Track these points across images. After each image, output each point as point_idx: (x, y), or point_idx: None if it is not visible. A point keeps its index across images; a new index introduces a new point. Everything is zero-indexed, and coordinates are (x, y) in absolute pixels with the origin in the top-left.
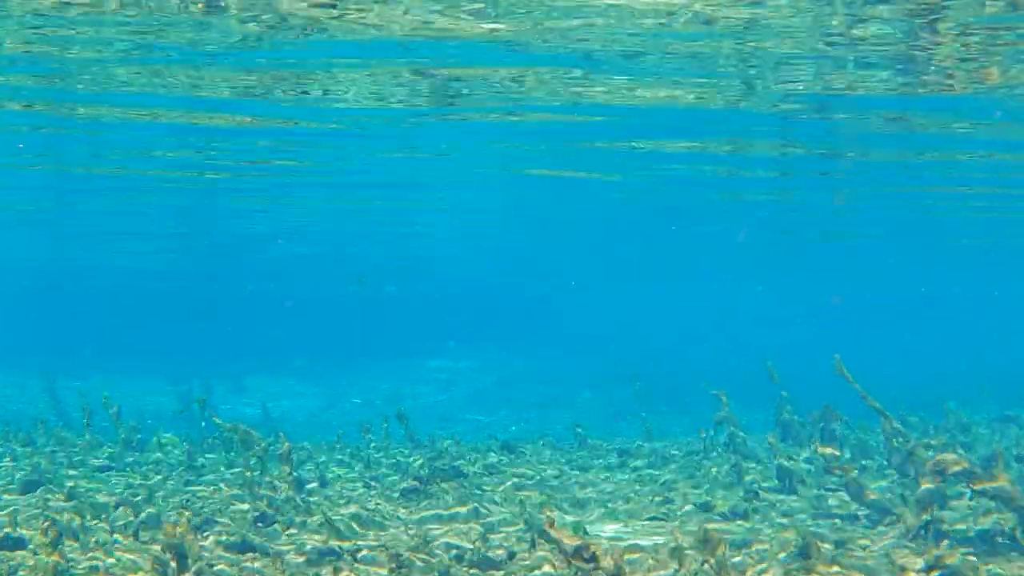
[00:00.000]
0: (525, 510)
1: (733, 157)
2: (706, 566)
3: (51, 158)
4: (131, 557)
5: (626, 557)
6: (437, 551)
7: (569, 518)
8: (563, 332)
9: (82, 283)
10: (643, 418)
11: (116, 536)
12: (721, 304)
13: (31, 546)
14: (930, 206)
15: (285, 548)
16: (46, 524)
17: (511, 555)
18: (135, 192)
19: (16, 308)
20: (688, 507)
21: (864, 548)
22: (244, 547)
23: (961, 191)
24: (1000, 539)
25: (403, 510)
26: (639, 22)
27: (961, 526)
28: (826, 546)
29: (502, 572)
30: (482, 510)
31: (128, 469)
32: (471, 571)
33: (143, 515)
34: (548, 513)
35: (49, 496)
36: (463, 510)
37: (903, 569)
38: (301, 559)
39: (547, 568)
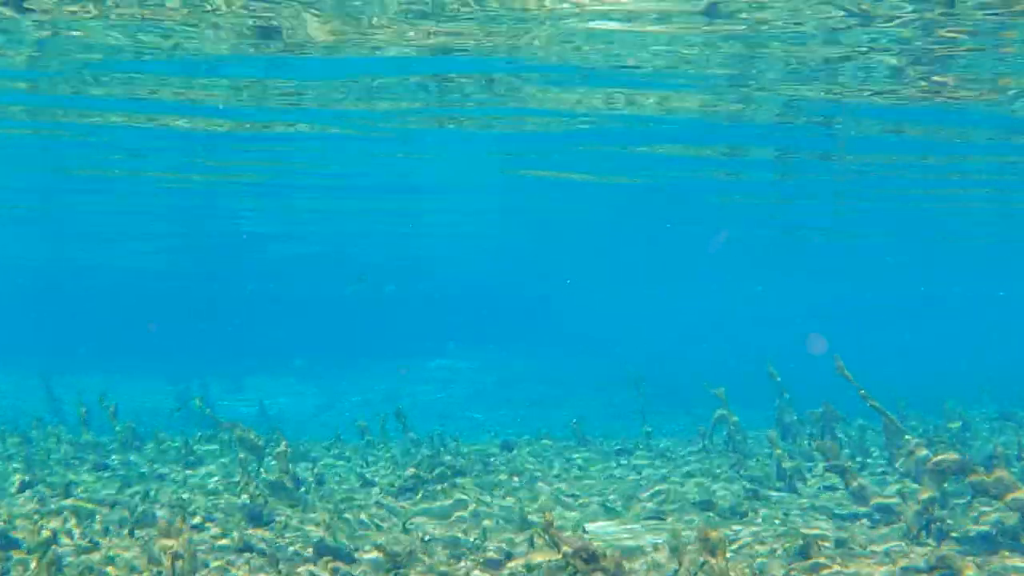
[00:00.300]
0: (524, 508)
1: (731, 160)
2: (706, 566)
3: (49, 159)
4: (126, 556)
5: (625, 557)
6: (435, 550)
7: (568, 516)
8: (563, 332)
9: (81, 283)
10: (643, 417)
11: (111, 535)
12: (721, 304)
13: (25, 546)
14: (930, 206)
15: (281, 548)
16: (40, 524)
17: (509, 555)
18: (133, 192)
19: (15, 307)
20: (687, 505)
21: (865, 547)
22: (240, 546)
23: (963, 192)
24: (1002, 538)
25: (401, 508)
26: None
27: (962, 525)
28: (826, 545)
29: (500, 571)
30: (480, 508)
31: (124, 467)
32: (469, 571)
33: (138, 513)
34: (547, 512)
35: (44, 495)
36: (461, 509)
37: (905, 569)
38: (298, 558)
39: (545, 568)
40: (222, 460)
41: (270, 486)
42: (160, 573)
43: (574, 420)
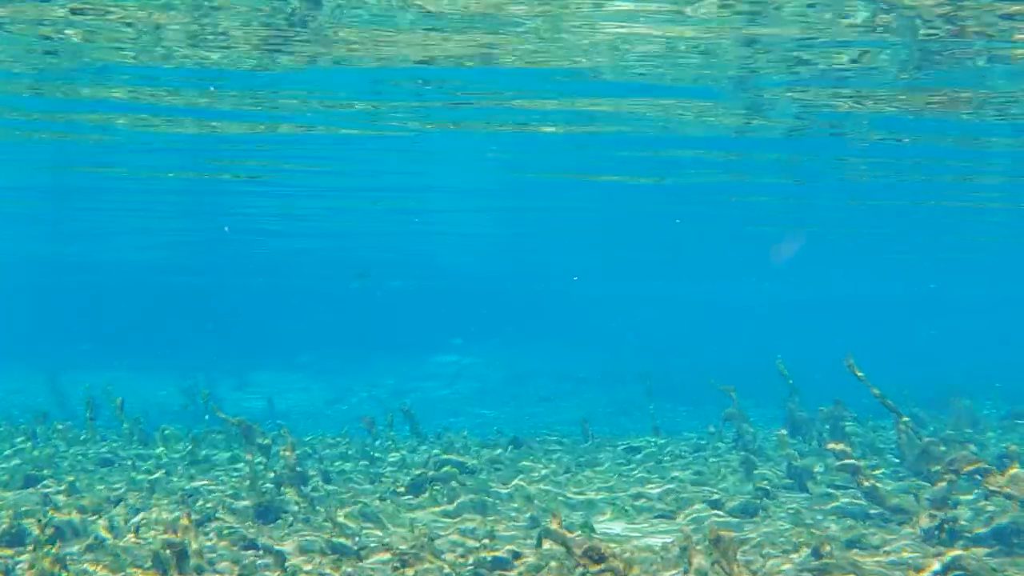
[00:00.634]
0: (532, 507)
1: (741, 161)
2: (716, 566)
3: (53, 155)
4: (131, 554)
5: (635, 557)
6: (442, 549)
7: (576, 515)
8: (570, 328)
9: (88, 279)
10: (651, 414)
11: (116, 531)
12: (728, 300)
13: (29, 542)
14: (941, 204)
15: (287, 545)
16: (44, 520)
17: (517, 554)
18: (140, 190)
19: (23, 304)
20: (697, 504)
21: (877, 548)
22: (246, 544)
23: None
24: (1016, 539)
25: (408, 507)
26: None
27: (975, 525)
28: (838, 545)
29: (508, 571)
30: (488, 507)
31: (130, 463)
32: (477, 570)
33: (144, 510)
34: (555, 512)
35: (49, 491)
36: (469, 507)
37: (918, 570)
38: (304, 556)
39: (554, 567)
40: (228, 456)
41: (276, 483)
42: (166, 572)
43: (582, 418)
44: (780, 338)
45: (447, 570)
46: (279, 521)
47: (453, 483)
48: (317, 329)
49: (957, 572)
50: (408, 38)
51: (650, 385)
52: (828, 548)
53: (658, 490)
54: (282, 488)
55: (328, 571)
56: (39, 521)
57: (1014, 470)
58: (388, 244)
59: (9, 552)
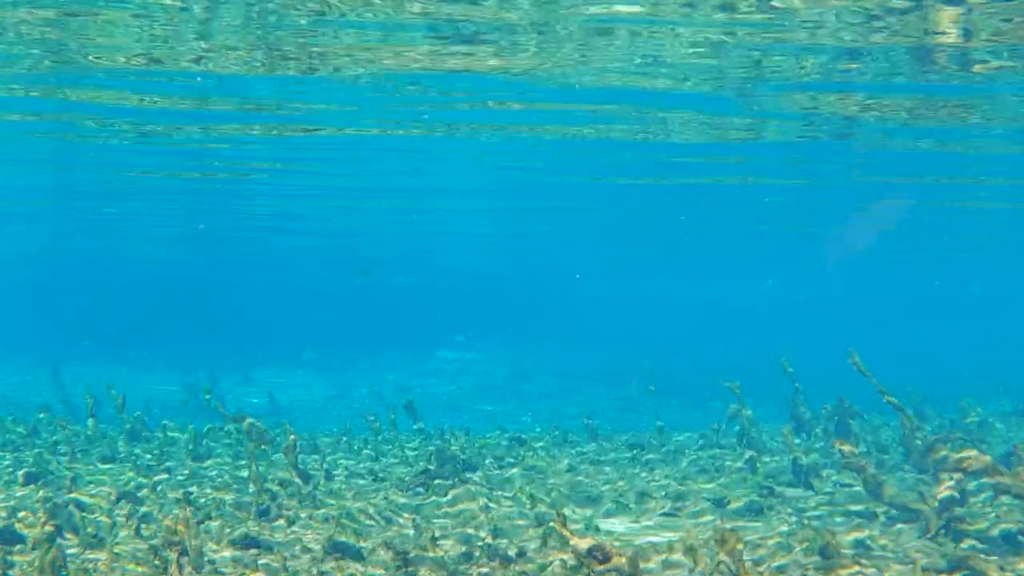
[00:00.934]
0: (536, 505)
1: (747, 163)
2: (722, 566)
3: (58, 152)
4: (131, 551)
5: (640, 556)
6: (445, 547)
7: (580, 513)
8: (573, 326)
9: (91, 274)
10: (655, 411)
11: (117, 530)
12: (731, 298)
13: (29, 540)
14: (946, 198)
15: (289, 543)
16: (44, 519)
17: (521, 552)
18: (144, 187)
19: (26, 299)
20: (702, 503)
21: (883, 547)
22: (247, 542)
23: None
24: (1023, 538)
25: (411, 504)
26: None
27: (982, 525)
28: (844, 544)
29: (512, 570)
30: (492, 504)
31: (132, 460)
32: (480, 569)
33: (144, 508)
34: (560, 510)
35: (50, 488)
36: (472, 505)
37: (925, 570)
38: (306, 555)
39: (558, 567)
40: (230, 453)
41: (278, 480)
42: (166, 569)
43: (586, 415)
44: (782, 336)
45: (450, 568)
46: (280, 518)
47: (456, 480)
48: (320, 326)
49: (965, 572)
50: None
51: (654, 381)
52: (834, 547)
53: (662, 487)
54: (284, 485)
55: (330, 569)
56: (39, 518)
57: (1021, 469)
58: (392, 242)
59: (8, 550)
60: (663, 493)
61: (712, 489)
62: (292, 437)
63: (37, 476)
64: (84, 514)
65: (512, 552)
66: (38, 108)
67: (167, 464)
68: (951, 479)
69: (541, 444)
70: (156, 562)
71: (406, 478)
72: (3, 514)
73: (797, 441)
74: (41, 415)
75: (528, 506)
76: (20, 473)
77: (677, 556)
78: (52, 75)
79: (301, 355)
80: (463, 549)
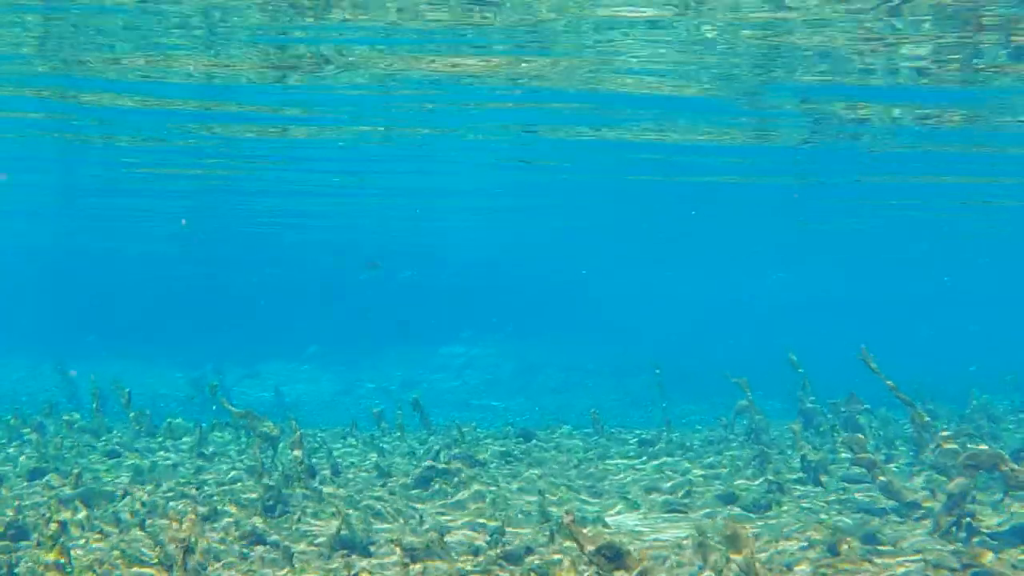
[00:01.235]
0: (544, 501)
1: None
2: (732, 564)
3: (63, 146)
4: (137, 547)
5: (649, 553)
6: (452, 544)
7: (588, 508)
8: (580, 320)
9: (96, 269)
10: (662, 406)
11: (122, 526)
12: (738, 292)
13: (34, 536)
14: (955, 196)
15: (296, 540)
16: (49, 515)
17: (529, 549)
18: (149, 184)
19: (31, 294)
20: (710, 498)
21: (894, 543)
22: (253, 538)
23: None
24: None
25: (418, 501)
26: None
27: (993, 521)
28: (853, 540)
29: (520, 567)
30: (499, 501)
31: (137, 455)
32: (487, 566)
33: (150, 504)
34: (568, 507)
35: (55, 483)
36: (479, 500)
37: (937, 567)
38: (312, 551)
39: (567, 564)
40: (236, 449)
41: (284, 476)
42: (171, 566)
43: (593, 410)
44: (788, 331)
45: (457, 566)
46: (286, 514)
47: (463, 476)
48: (326, 320)
49: (976, 569)
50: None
51: (660, 377)
52: (844, 544)
53: (670, 483)
54: (290, 481)
55: (337, 567)
56: (44, 515)
57: None
58: (398, 236)
59: (14, 546)
60: (670, 488)
61: (719, 484)
62: (298, 433)
63: (43, 471)
64: (89, 510)
65: (520, 548)
66: (43, 107)
67: (173, 460)
68: (963, 476)
69: (548, 439)
70: (162, 559)
71: (413, 474)
72: (9, 510)
73: (805, 436)
74: (47, 410)
75: (536, 502)
76: (25, 468)
77: (687, 553)
78: (57, 73)
79: (307, 350)
80: (470, 545)
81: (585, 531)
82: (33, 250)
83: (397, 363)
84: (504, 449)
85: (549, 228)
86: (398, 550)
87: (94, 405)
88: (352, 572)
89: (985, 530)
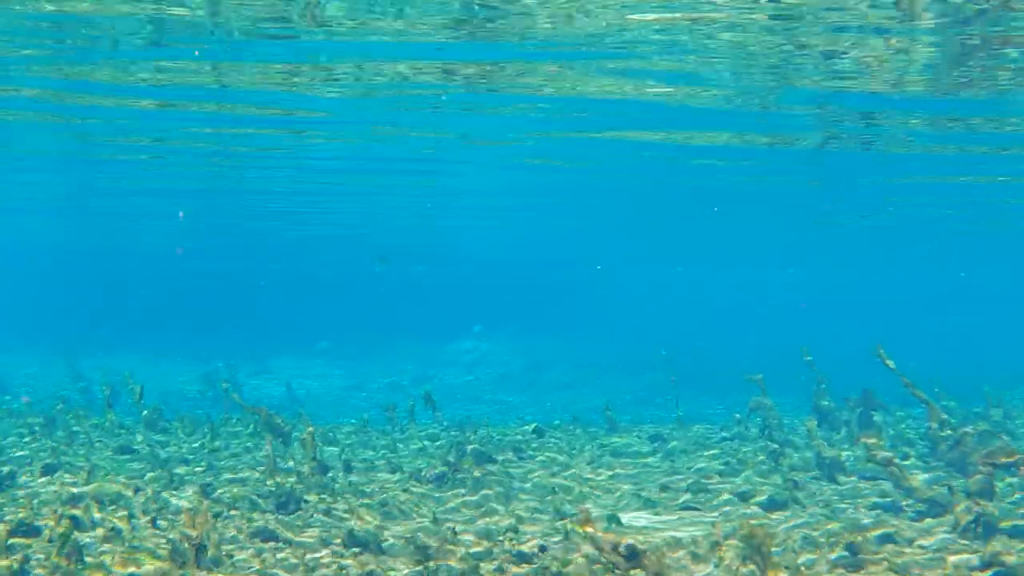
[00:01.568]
0: (557, 499)
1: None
2: (749, 562)
3: (74, 139)
4: (149, 545)
5: (665, 553)
6: (465, 541)
7: (601, 506)
8: (591, 316)
9: (107, 264)
10: (675, 402)
11: (134, 523)
12: (751, 287)
13: (45, 533)
14: (972, 188)
15: (307, 536)
16: (60, 512)
17: (542, 547)
18: (158, 174)
19: (42, 289)
20: (725, 496)
21: (912, 542)
22: (265, 535)
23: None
24: None
25: (431, 497)
26: None
27: (1012, 520)
28: (871, 539)
29: (533, 565)
30: (512, 497)
31: (149, 451)
32: (500, 564)
33: (162, 500)
34: (582, 504)
35: (67, 479)
36: (492, 497)
37: (957, 566)
38: (324, 549)
39: (581, 562)
40: (247, 444)
41: (296, 472)
42: (183, 564)
43: (605, 406)
44: (802, 325)
45: (470, 563)
46: (299, 512)
47: (476, 473)
48: (337, 315)
49: (997, 569)
50: None
51: (674, 372)
52: (862, 542)
53: (684, 481)
54: (301, 478)
55: (349, 564)
56: (56, 511)
57: None
58: (409, 231)
59: (26, 543)
60: (685, 486)
61: (734, 482)
62: (310, 429)
63: (54, 467)
64: (101, 506)
65: (533, 547)
66: (53, 97)
67: (184, 455)
68: (980, 472)
69: (561, 435)
70: (174, 556)
71: (425, 470)
72: (21, 507)
73: (820, 432)
74: (59, 405)
75: (549, 499)
76: (38, 465)
77: (703, 552)
78: (67, 65)
79: (318, 345)
80: (483, 542)
81: (600, 530)
82: (45, 246)
83: (408, 358)
84: (517, 445)
85: (561, 224)
86: (410, 547)
87: (106, 401)
88: (365, 570)
89: (1006, 528)
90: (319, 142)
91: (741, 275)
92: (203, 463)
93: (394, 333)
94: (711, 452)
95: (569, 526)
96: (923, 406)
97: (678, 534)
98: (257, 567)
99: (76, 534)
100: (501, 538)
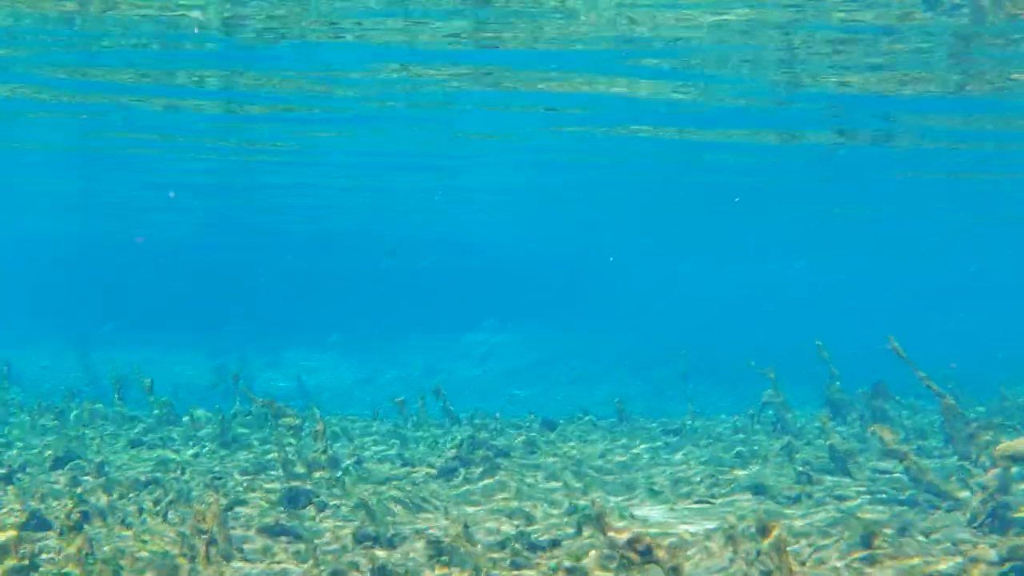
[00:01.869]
0: (570, 492)
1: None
2: (763, 556)
3: (83, 135)
4: (159, 538)
5: (679, 547)
6: (477, 536)
7: (613, 500)
8: (603, 309)
9: (118, 255)
10: (687, 395)
11: (144, 516)
12: (762, 280)
13: (57, 527)
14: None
15: (319, 530)
16: (71, 507)
17: (555, 541)
18: (170, 166)
19: (53, 280)
20: (737, 489)
21: (928, 535)
22: (276, 529)
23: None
24: None
25: (442, 492)
26: None
27: None
28: (886, 533)
29: (546, 559)
30: (524, 492)
31: (160, 444)
32: (513, 558)
33: (173, 494)
34: (594, 497)
35: (78, 473)
36: (504, 491)
37: (974, 560)
38: (336, 544)
39: (594, 555)
40: (258, 438)
41: (307, 466)
42: (194, 557)
43: (617, 399)
44: (813, 318)
45: (482, 558)
46: (310, 506)
47: (487, 466)
48: (347, 308)
49: (1016, 563)
50: None
51: (685, 365)
52: (877, 536)
53: (697, 473)
54: (313, 471)
55: (360, 559)
56: (67, 504)
57: None
58: (420, 223)
59: (37, 536)
60: (698, 479)
61: (747, 475)
62: (321, 422)
63: (65, 460)
64: (112, 499)
65: (545, 541)
66: (64, 89)
67: (195, 449)
68: (997, 466)
69: (572, 429)
70: (184, 550)
71: (436, 464)
72: (32, 500)
73: (833, 425)
74: (70, 398)
75: (561, 493)
76: (48, 457)
77: (717, 545)
78: (76, 58)
79: (329, 338)
80: (495, 537)
81: (614, 524)
82: (56, 238)
83: (419, 351)
84: (528, 439)
85: (572, 217)
86: (422, 542)
87: (116, 394)
88: (376, 564)
89: (1021, 521)
90: (331, 136)
91: (751, 269)
92: (213, 456)
93: (405, 326)
94: (723, 445)
95: (582, 520)
96: (936, 398)
97: (692, 528)
98: (267, 561)
99: (87, 527)
100: (513, 532)
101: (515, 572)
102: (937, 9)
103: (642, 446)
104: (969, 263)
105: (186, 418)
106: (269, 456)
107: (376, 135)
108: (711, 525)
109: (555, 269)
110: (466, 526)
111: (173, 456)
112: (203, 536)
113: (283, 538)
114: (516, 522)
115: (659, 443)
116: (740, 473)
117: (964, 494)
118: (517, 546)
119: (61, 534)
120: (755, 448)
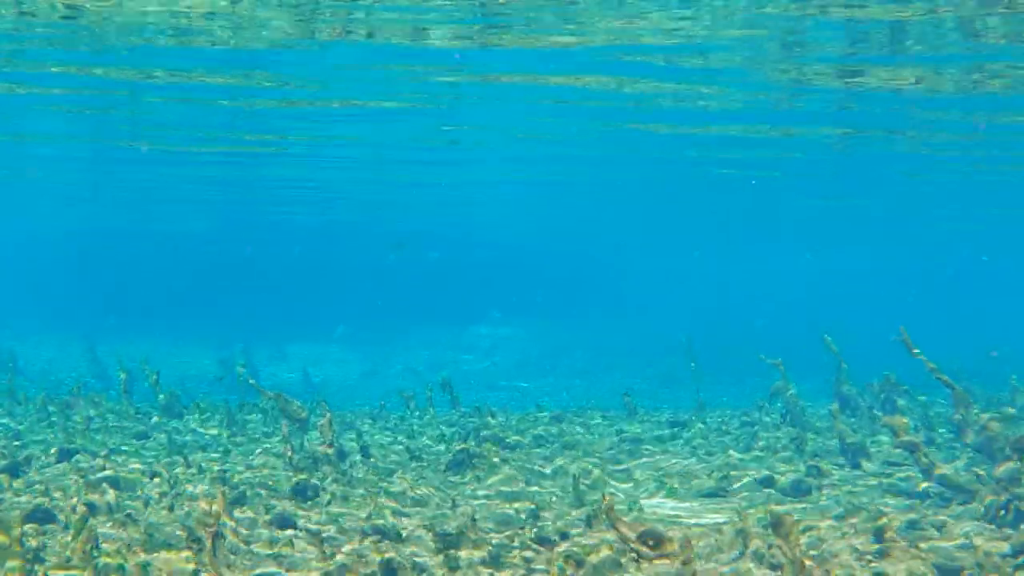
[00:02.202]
0: (578, 486)
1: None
2: (775, 548)
3: (92, 127)
4: (165, 531)
5: (692, 541)
6: (485, 528)
7: (623, 492)
8: (609, 301)
9: (125, 248)
10: (695, 387)
11: (150, 508)
12: (771, 272)
13: (61, 519)
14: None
15: (326, 524)
16: (75, 501)
17: (564, 535)
18: (177, 161)
19: (60, 273)
20: (747, 482)
21: (940, 528)
22: (283, 522)
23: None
24: None
25: (449, 484)
26: None
27: None
28: (897, 525)
29: (555, 552)
30: (532, 484)
31: (165, 436)
32: (522, 552)
33: (179, 486)
34: (603, 490)
35: (84, 465)
36: (512, 484)
37: (987, 553)
38: (342, 536)
39: (606, 550)
40: (264, 430)
41: (314, 459)
42: (200, 551)
43: (624, 392)
44: (821, 310)
45: (490, 550)
46: (317, 499)
47: (495, 459)
48: (354, 301)
49: None
50: None
51: (693, 357)
52: (888, 529)
53: (706, 467)
54: (319, 464)
55: (367, 552)
56: (72, 497)
57: None
58: (427, 215)
59: (41, 529)
60: (707, 472)
61: (757, 468)
62: (328, 415)
63: (71, 453)
64: (117, 492)
65: (554, 534)
66: (72, 82)
67: (201, 441)
68: (1011, 459)
69: (580, 421)
70: (191, 543)
71: (444, 457)
72: (37, 493)
73: (843, 418)
74: (76, 390)
75: (570, 486)
76: (53, 450)
77: (727, 539)
78: (86, 48)
79: (335, 330)
80: (504, 530)
81: (625, 518)
82: (63, 231)
83: (425, 344)
84: (535, 431)
85: (579, 209)
86: (430, 535)
87: (123, 387)
88: (383, 557)
89: None
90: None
91: (759, 260)
92: (220, 449)
93: (412, 319)
94: (731, 437)
95: (591, 512)
96: (947, 391)
97: (702, 521)
98: (274, 554)
99: (92, 520)
100: (522, 525)
101: (524, 565)
102: None
103: (650, 438)
104: (980, 254)
105: (192, 409)
106: (276, 448)
107: (382, 126)
108: (721, 518)
109: (563, 262)
110: (473, 518)
111: (179, 449)
112: (209, 529)
113: (290, 530)
114: (523, 515)
115: (667, 435)
116: (749, 465)
117: (976, 487)
118: (525, 539)
119: (66, 527)
120: (764, 440)
